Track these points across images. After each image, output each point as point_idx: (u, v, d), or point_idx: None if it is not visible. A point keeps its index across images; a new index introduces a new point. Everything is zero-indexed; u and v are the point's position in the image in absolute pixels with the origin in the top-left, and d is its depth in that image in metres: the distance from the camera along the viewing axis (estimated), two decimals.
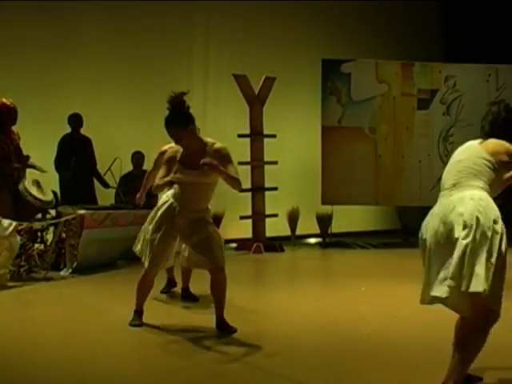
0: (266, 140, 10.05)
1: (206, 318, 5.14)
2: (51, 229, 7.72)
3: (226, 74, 10.26)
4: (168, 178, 4.71)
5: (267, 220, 10.06)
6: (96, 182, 9.04)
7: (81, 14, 9.60)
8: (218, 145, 4.81)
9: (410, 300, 6.20)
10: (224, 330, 4.81)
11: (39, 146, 8.50)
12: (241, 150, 9.81)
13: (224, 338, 4.74)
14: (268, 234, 10.05)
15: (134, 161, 9.24)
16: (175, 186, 4.91)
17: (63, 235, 7.58)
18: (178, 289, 6.19)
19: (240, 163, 9.92)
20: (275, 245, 9.76)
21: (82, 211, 7.55)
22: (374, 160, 10.29)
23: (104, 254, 7.84)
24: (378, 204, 10.82)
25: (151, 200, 6.46)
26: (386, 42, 11.80)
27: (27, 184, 7.23)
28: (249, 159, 9.91)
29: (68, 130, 8.87)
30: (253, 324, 5.10)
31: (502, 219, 3.50)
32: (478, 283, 3.29)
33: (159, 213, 5.00)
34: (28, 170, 7.54)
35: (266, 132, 10.05)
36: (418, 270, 8.55)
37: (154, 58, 10.12)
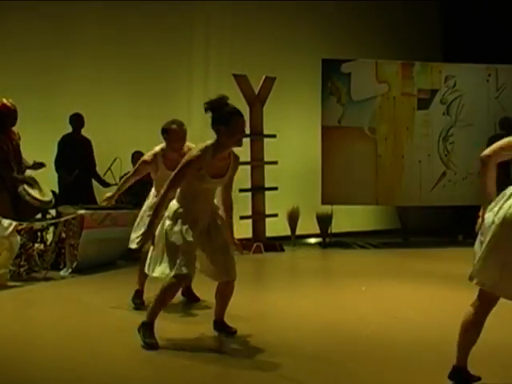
0: (266, 140, 10.05)
1: (206, 319, 5.14)
2: (51, 229, 7.72)
3: (226, 73, 10.25)
4: None
5: (267, 220, 10.06)
6: (95, 183, 9.03)
7: (81, 14, 9.60)
8: (235, 153, 4.82)
9: (410, 300, 6.23)
10: (223, 330, 4.80)
11: (39, 145, 8.49)
12: (241, 150, 9.80)
13: (223, 339, 4.74)
14: (268, 233, 10.05)
15: (135, 161, 9.23)
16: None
17: (63, 235, 7.59)
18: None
19: (240, 163, 9.93)
20: (275, 245, 9.76)
21: (82, 211, 7.55)
22: (374, 160, 10.29)
23: (104, 254, 7.84)
24: (377, 204, 10.82)
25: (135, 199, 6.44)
26: (386, 42, 11.80)
27: (26, 184, 7.22)
28: (249, 159, 9.91)
29: (68, 129, 8.87)
30: (252, 324, 5.10)
31: None
32: None
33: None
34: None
35: (266, 132, 10.05)
36: (418, 270, 8.60)
37: (154, 58, 10.12)
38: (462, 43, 11.82)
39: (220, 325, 4.81)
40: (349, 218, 11.12)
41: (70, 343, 4.68)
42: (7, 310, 5.87)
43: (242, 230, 10.06)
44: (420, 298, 6.28)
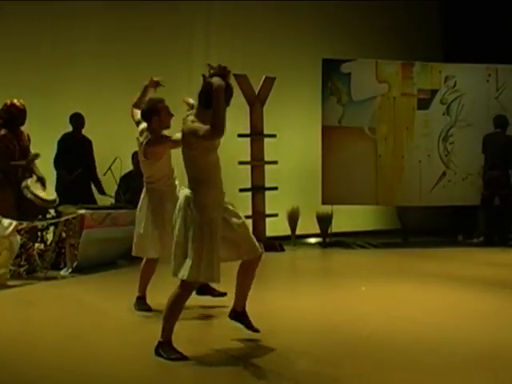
0: (266, 140, 10.05)
1: (205, 319, 5.15)
2: (51, 228, 7.72)
3: None
4: None
5: (267, 220, 10.06)
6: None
7: (81, 12, 9.59)
8: None
9: (409, 300, 6.23)
10: (243, 323, 4.64)
11: (38, 143, 8.48)
12: (241, 150, 9.82)
13: (223, 339, 4.73)
14: (268, 233, 10.05)
15: (135, 160, 9.23)
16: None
17: (63, 235, 7.59)
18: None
19: (240, 163, 9.96)
20: (275, 244, 9.76)
21: (82, 211, 7.56)
22: (374, 160, 10.29)
23: (104, 254, 7.85)
24: (378, 204, 10.81)
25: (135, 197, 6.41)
26: (386, 42, 11.80)
27: (30, 182, 7.24)
28: (249, 159, 9.92)
29: (68, 128, 8.87)
30: (253, 322, 5.09)
31: None
32: None
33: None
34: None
35: (266, 132, 10.05)
36: (418, 270, 8.58)
37: (154, 58, 10.11)
38: (461, 43, 11.81)
39: (241, 316, 4.63)
40: (349, 218, 11.11)
41: (70, 343, 4.68)
42: (7, 310, 5.87)
43: None
44: (420, 298, 6.28)
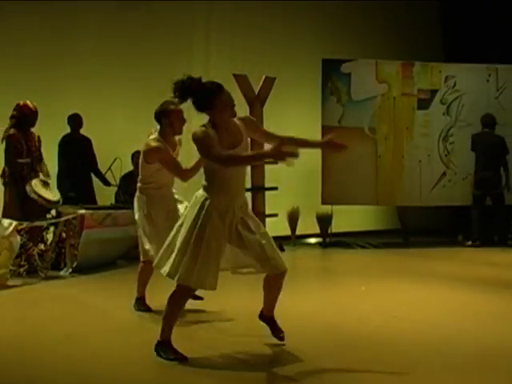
0: None
1: (205, 320, 5.15)
2: (51, 228, 7.72)
3: (226, 73, 10.25)
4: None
5: (267, 220, 10.05)
6: (95, 183, 9.04)
7: (80, 12, 9.59)
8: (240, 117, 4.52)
9: (409, 300, 6.23)
10: (270, 328, 4.58)
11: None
12: None
13: (222, 339, 4.74)
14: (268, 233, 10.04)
15: (135, 160, 9.24)
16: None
17: (63, 235, 7.59)
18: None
19: None
20: None
21: (82, 211, 7.56)
22: (374, 160, 10.30)
23: (104, 254, 7.85)
24: (378, 204, 10.82)
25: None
26: (386, 42, 11.81)
27: (34, 183, 7.26)
28: None
29: (67, 129, 8.87)
30: (252, 323, 5.09)
31: None
32: None
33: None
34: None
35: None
36: (418, 270, 8.57)
37: (154, 58, 10.12)
38: (462, 43, 11.82)
39: (269, 321, 4.61)
40: (349, 218, 11.11)
41: (70, 343, 4.67)
42: (7, 310, 5.87)
43: None
44: (420, 298, 6.27)
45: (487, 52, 10.98)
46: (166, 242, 4.28)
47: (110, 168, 8.87)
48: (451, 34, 12.47)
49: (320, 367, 4.16)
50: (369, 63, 10.49)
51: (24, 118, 7.47)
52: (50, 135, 8.85)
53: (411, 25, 12.24)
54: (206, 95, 4.25)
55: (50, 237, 7.69)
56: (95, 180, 9.09)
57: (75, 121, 8.82)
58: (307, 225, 10.57)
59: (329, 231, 10.49)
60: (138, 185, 5.58)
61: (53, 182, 8.49)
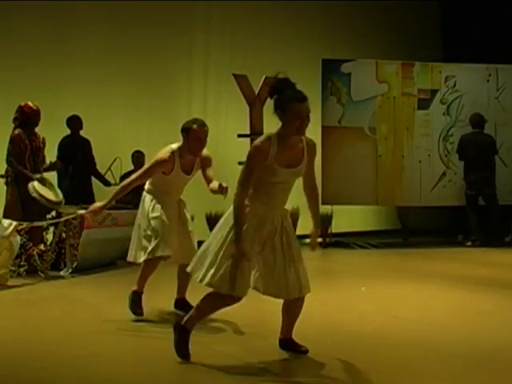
0: None
1: (204, 320, 5.13)
2: (51, 229, 7.72)
3: (226, 73, 10.26)
4: None
5: None
6: (95, 184, 9.03)
7: (80, 14, 9.60)
8: (310, 139, 4.46)
9: (410, 300, 6.23)
10: (292, 349, 4.36)
11: None
12: (241, 150, 9.80)
13: (222, 339, 4.73)
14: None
15: (135, 160, 9.24)
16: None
17: (63, 235, 7.59)
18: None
19: (240, 163, 9.93)
20: None
21: (83, 211, 7.55)
22: (374, 160, 10.29)
23: (104, 254, 7.85)
24: (378, 204, 10.82)
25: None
26: (386, 42, 11.81)
27: (37, 183, 7.26)
28: None
29: (67, 130, 8.86)
30: (252, 323, 5.10)
31: None
32: None
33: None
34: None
35: (266, 132, 10.03)
36: (418, 270, 8.56)
37: (154, 57, 10.13)
38: (462, 43, 11.82)
39: (288, 344, 4.39)
40: (349, 218, 11.12)
41: (70, 343, 4.67)
42: (7, 310, 5.87)
43: None
44: (420, 298, 6.27)
45: (487, 52, 10.98)
46: (202, 249, 4.19)
47: (109, 168, 8.86)
48: (451, 33, 12.48)
49: (320, 367, 4.16)
50: (369, 63, 10.49)
51: (26, 118, 7.48)
52: (49, 135, 8.84)
53: (411, 25, 12.25)
54: (283, 96, 4.26)
55: (50, 237, 7.69)
56: (94, 180, 9.08)
57: (74, 123, 8.80)
58: (307, 225, 10.53)
59: (329, 231, 10.49)
60: (147, 186, 5.58)
61: (52, 182, 8.51)
